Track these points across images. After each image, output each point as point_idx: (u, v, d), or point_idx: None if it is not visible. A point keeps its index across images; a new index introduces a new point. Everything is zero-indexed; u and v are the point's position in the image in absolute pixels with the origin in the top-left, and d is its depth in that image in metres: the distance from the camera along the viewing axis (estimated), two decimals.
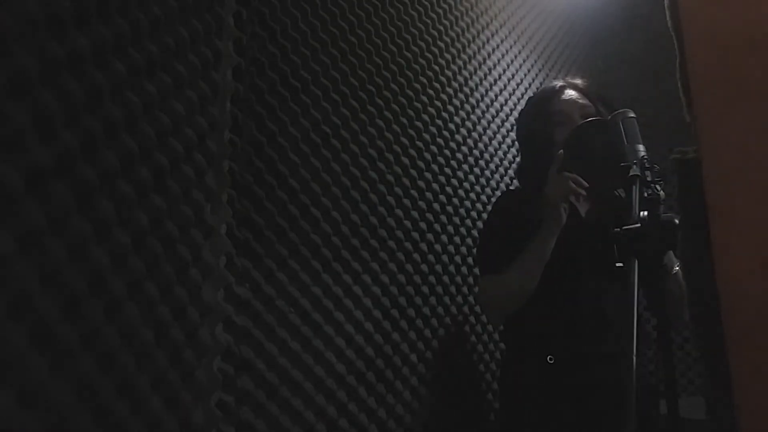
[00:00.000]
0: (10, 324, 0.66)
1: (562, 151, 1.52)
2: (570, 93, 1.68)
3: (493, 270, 1.58)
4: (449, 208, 1.79)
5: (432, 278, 1.67)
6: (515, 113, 2.26)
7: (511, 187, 2.09)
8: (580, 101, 1.66)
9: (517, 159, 2.18)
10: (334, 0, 1.47)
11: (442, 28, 1.90)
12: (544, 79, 2.57)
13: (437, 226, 1.72)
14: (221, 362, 1.06)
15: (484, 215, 1.93)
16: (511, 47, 2.36)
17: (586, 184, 1.49)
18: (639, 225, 1.06)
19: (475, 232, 1.87)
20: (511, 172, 2.15)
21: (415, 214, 1.64)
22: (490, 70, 2.16)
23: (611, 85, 2.79)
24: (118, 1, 0.85)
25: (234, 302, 1.12)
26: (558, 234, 1.50)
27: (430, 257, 1.68)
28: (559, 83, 1.73)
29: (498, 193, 2.03)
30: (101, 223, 0.79)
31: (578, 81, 1.73)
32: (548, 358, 1.49)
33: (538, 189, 1.56)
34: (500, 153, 2.12)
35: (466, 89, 1.99)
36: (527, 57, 2.48)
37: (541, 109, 1.69)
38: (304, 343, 1.26)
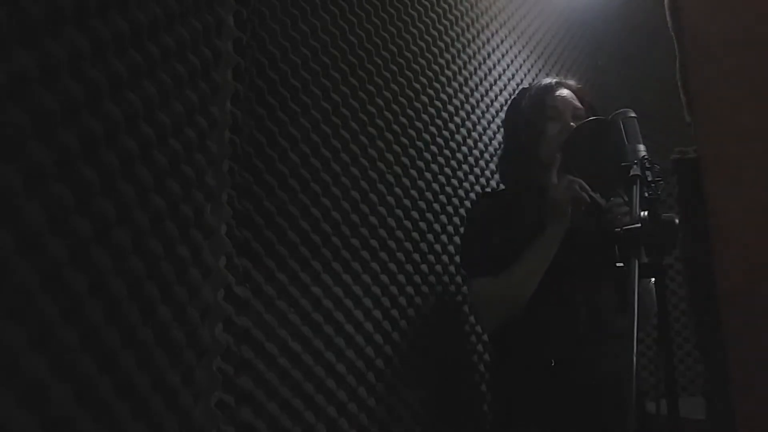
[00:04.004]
0: (10, 324, 0.65)
1: (560, 153, 1.53)
2: (565, 92, 1.69)
3: (485, 273, 1.55)
4: (449, 208, 1.79)
5: (432, 278, 1.67)
6: None
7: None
8: (574, 102, 1.67)
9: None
10: (334, 0, 1.48)
11: (441, 28, 1.90)
12: None
13: (437, 226, 1.72)
14: (221, 362, 1.06)
15: None
16: (511, 47, 2.36)
17: (590, 190, 1.49)
18: (639, 225, 1.06)
19: None
20: None
21: (415, 214, 1.64)
22: (490, 70, 2.16)
23: (611, 85, 2.79)
24: (118, 1, 0.85)
25: (234, 302, 1.12)
26: (562, 237, 1.50)
27: (430, 257, 1.68)
28: (554, 80, 1.73)
29: None
30: (101, 223, 0.78)
31: (572, 82, 1.74)
32: (551, 362, 1.48)
33: (527, 190, 1.56)
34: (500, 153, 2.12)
35: (466, 89, 1.99)
36: (527, 57, 2.48)
37: (537, 101, 1.68)
38: (304, 343, 1.26)
